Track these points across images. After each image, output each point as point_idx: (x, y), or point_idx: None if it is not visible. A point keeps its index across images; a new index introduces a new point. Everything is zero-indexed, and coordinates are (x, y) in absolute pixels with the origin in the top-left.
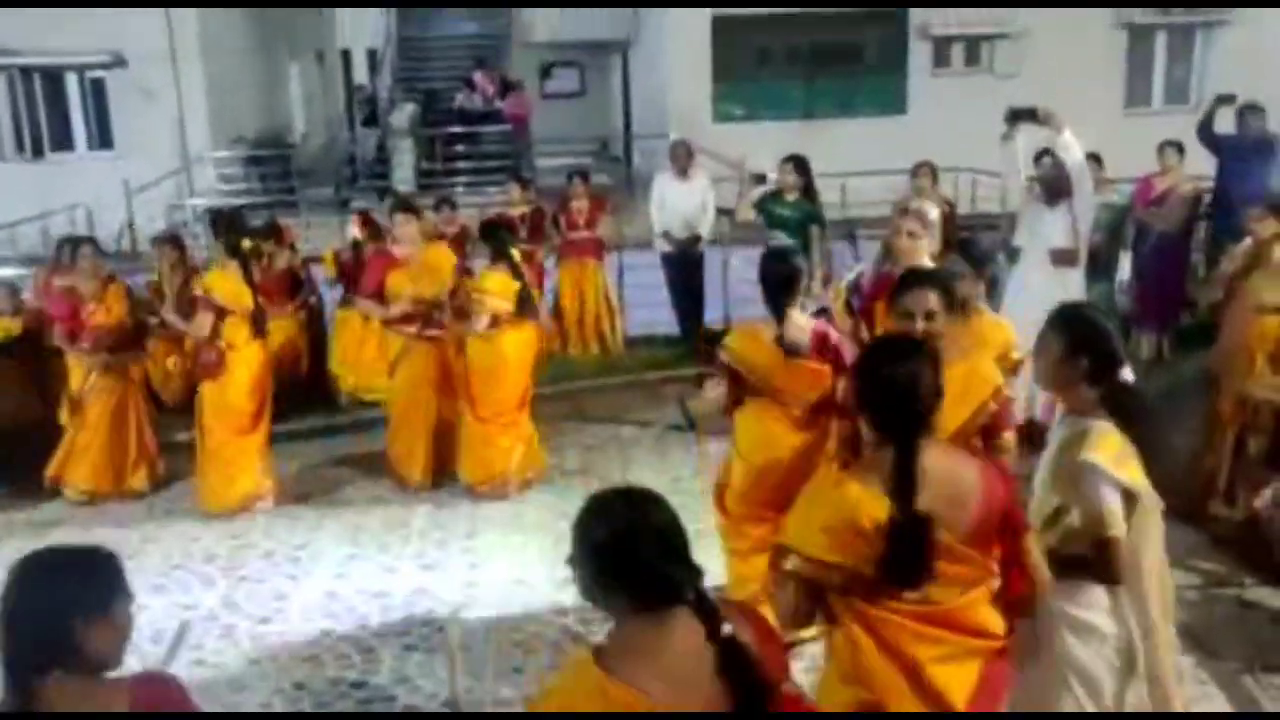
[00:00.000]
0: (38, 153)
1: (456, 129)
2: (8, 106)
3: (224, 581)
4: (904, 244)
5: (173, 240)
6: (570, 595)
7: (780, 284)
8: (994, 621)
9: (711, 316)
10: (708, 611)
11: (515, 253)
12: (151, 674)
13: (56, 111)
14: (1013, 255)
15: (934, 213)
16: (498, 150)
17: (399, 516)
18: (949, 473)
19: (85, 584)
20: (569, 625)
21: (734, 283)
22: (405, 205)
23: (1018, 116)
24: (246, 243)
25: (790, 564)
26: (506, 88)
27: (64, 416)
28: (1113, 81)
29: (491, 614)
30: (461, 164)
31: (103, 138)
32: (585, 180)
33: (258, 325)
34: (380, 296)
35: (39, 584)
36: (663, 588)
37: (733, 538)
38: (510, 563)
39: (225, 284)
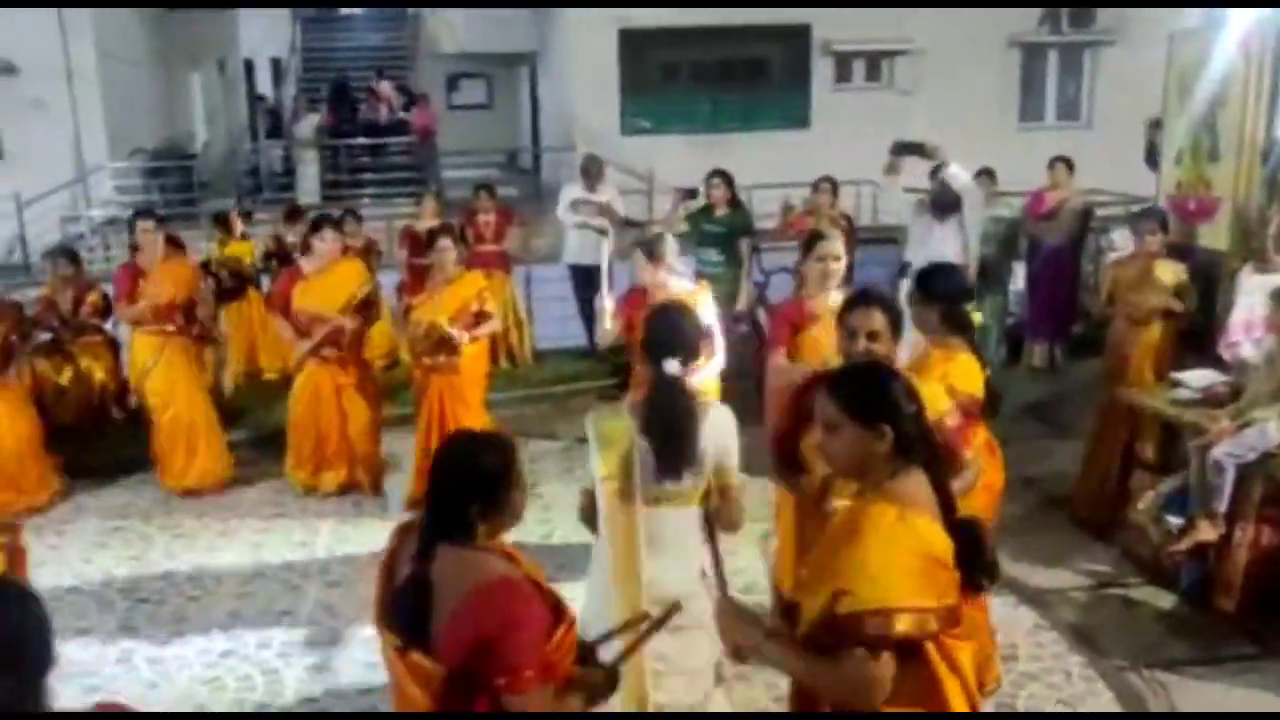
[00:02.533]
0: None
1: (362, 140)
2: None
3: (123, 604)
4: (815, 275)
5: (66, 253)
6: None
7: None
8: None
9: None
10: None
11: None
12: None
13: None
14: (903, 270)
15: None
16: (404, 162)
17: (304, 534)
18: None
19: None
20: None
21: None
22: (336, 223)
23: (904, 150)
24: None
25: (902, 625)
26: (412, 99)
27: None
28: (1007, 98)
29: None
30: (367, 175)
31: None
32: (492, 193)
33: None
34: (286, 310)
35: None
36: None
37: None
38: None
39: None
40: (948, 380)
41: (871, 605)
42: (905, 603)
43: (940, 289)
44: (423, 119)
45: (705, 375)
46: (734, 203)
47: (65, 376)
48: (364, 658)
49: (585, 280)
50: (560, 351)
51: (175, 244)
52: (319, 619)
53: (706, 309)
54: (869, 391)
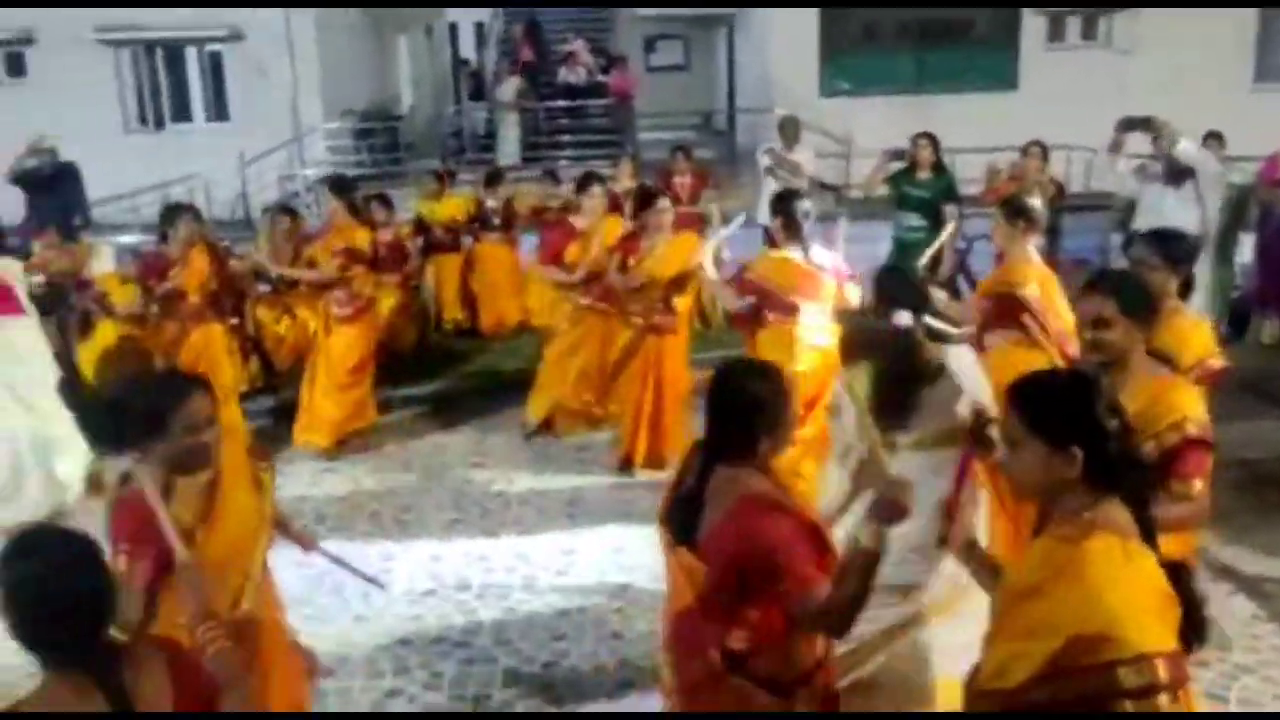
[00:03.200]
0: (159, 124)
1: (561, 103)
2: (132, 80)
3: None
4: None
5: (285, 209)
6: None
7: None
8: None
9: None
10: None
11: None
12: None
13: (176, 85)
14: (1129, 241)
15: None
16: (601, 124)
17: (500, 484)
18: None
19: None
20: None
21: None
22: (599, 178)
23: (1131, 126)
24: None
25: (1164, 673)
26: (610, 61)
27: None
28: (1240, 55)
29: (589, 581)
30: (565, 138)
31: (219, 110)
32: (688, 155)
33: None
34: (558, 261)
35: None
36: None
37: None
38: (610, 530)
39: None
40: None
41: (1129, 653)
42: (1161, 647)
43: (1182, 254)
44: (620, 81)
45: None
46: (939, 167)
47: (283, 325)
48: (556, 603)
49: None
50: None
51: (385, 201)
52: (514, 566)
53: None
54: (1059, 406)
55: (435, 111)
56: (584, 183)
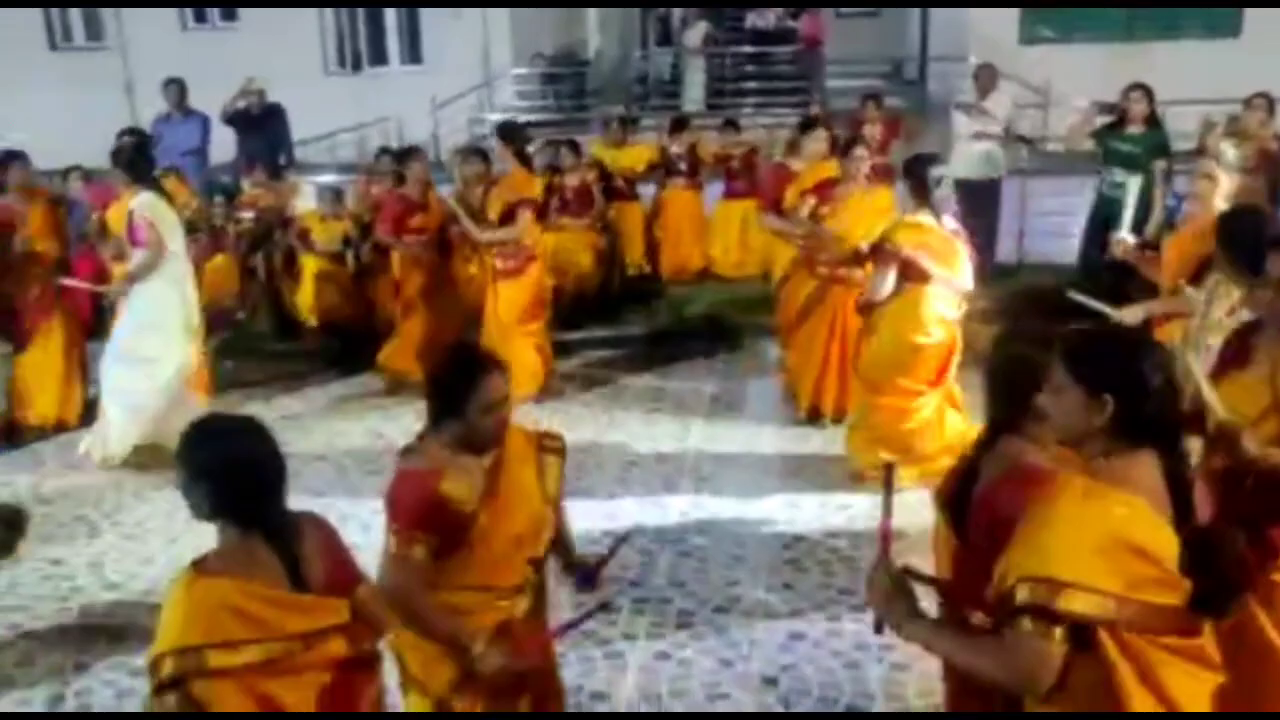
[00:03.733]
0: (356, 67)
1: (748, 49)
2: (333, 24)
3: None
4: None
5: (479, 153)
6: (842, 520)
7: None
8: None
9: (1005, 249)
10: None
11: None
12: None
13: (374, 29)
14: None
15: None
16: (788, 71)
17: (677, 430)
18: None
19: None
20: (840, 547)
21: (1031, 216)
22: (824, 122)
23: None
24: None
25: (1069, 602)
26: (800, 6)
27: (396, 309)
28: None
29: (764, 531)
30: (751, 84)
31: (413, 54)
32: (879, 104)
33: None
34: (778, 206)
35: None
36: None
37: None
38: (785, 484)
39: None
40: None
41: (1039, 574)
42: (1077, 578)
43: None
44: (810, 27)
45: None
46: (1151, 120)
47: (474, 268)
48: (731, 550)
49: (972, 196)
50: None
51: (574, 147)
52: (689, 511)
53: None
54: (1100, 357)
55: (621, 56)
56: (807, 125)
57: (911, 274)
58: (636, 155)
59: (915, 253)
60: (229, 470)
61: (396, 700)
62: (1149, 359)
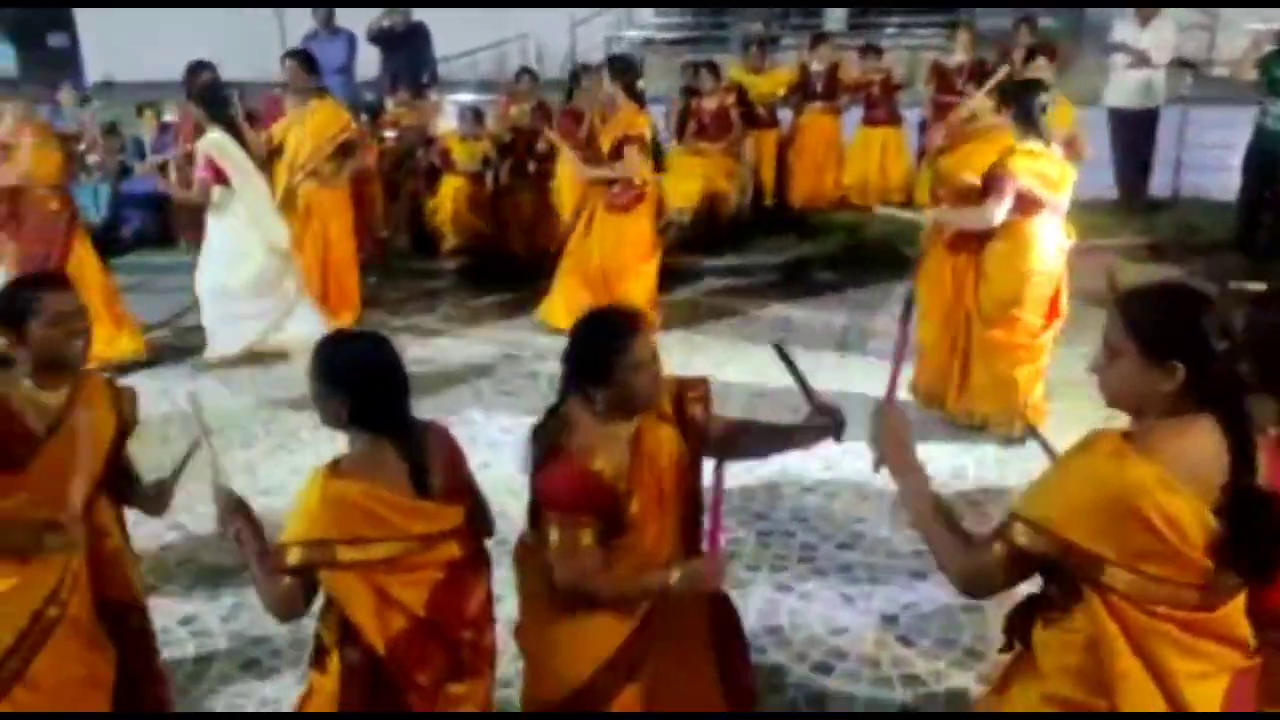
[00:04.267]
0: None
1: None
2: None
3: None
4: None
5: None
6: (970, 461)
7: None
8: (1247, 631)
9: (1160, 182)
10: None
11: None
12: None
13: None
14: None
15: None
16: None
17: (807, 364)
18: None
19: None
20: (967, 490)
21: (1191, 148)
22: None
23: None
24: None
25: (1020, 537)
26: None
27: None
28: None
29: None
30: (895, 6)
31: None
32: (1032, 27)
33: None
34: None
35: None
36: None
37: None
38: (912, 420)
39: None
40: None
41: (1033, 517)
42: (1045, 522)
43: None
44: None
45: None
46: None
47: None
48: (857, 487)
49: (1126, 126)
50: (1092, 204)
51: (713, 69)
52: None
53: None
54: (1168, 319)
55: None
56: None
57: (1024, 205)
58: (775, 79)
59: (1030, 182)
60: (361, 380)
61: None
62: (1210, 316)
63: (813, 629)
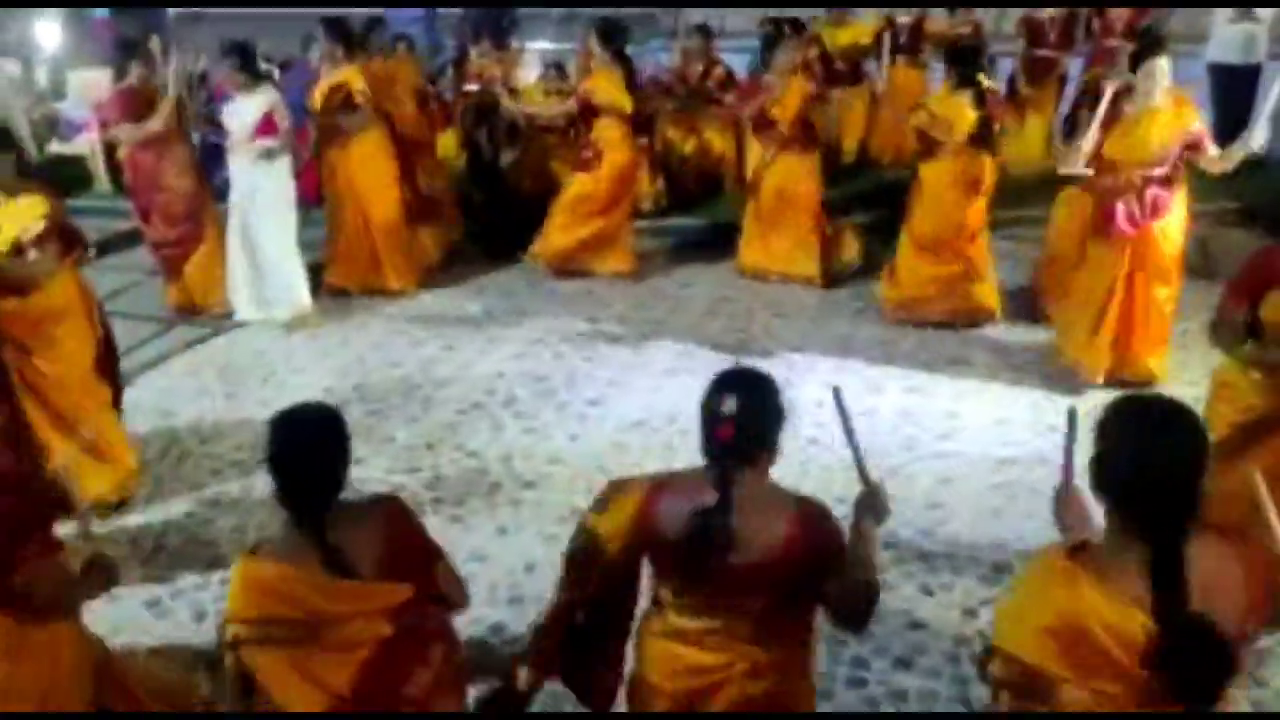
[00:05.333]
0: None
1: None
2: None
3: None
4: None
5: (701, 29)
6: (1051, 445)
7: None
8: None
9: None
10: None
11: (984, 80)
12: (382, 496)
13: None
14: None
15: None
16: None
17: (884, 332)
18: (1212, 574)
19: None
20: (1047, 477)
21: None
22: None
23: None
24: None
25: (996, 669)
26: None
27: None
28: None
29: (973, 451)
30: None
31: None
32: None
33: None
34: None
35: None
36: None
37: None
38: (995, 401)
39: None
40: None
41: (1005, 649)
42: (1015, 650)
43: None
44: None
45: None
46: None
47: (689, 145)
48: (936, 469)
49: (1228, 82)
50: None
51: (797, 26)
52: (897, 424)
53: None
54: (1103, 450)
55: None
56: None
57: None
58: (858, 31)
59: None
60: (275, 465)
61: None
62: (1149, 439)
63: (892, 621)
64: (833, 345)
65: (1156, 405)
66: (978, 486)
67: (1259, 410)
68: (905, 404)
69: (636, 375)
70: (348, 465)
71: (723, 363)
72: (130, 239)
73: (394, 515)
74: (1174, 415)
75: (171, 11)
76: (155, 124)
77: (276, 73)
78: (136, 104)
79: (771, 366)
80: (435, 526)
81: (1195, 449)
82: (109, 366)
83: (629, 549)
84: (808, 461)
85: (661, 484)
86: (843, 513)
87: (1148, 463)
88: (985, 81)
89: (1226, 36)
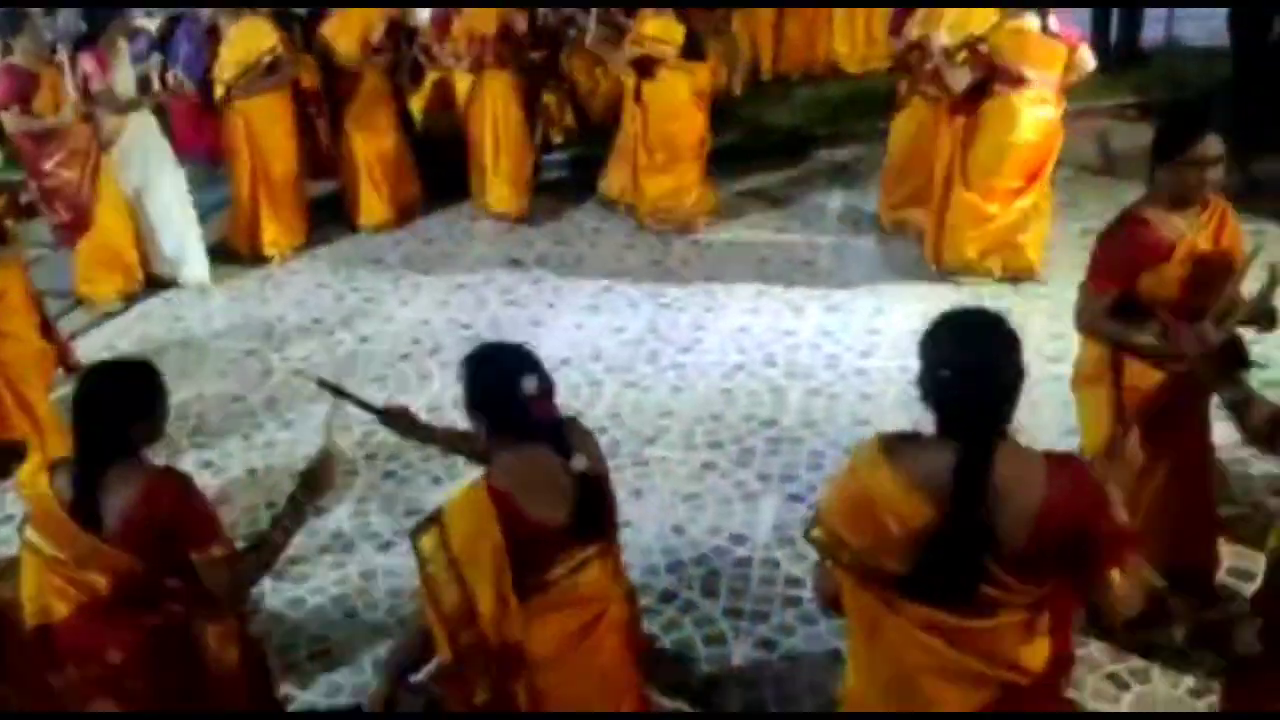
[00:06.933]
0: None
1: None
2: None
3: (648, 306)
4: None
5: None
6: None
7: None
8: (1028, 656)
9: (1151, 32)
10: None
11: None
12: (165, 469)
13: None
14: None
15: None
16: None
17: (804, 252)
18: (1011, 483)
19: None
20: None
21: None
22: None
23: None
24: None
25: (814, 532)
26: None
27: None
28: None
29: (892, 365)
30: None
31: None
32: None
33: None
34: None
35: (104, 395)
36: None
37: None
38: (911, 313)
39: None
40: None
41: (822, 516)
42: (824, 516)
43: None
44: None
45: None
46: None
47: (597, 75)
48: (860, 386)
49: None
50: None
51: None
52: (818, 343)
53: None
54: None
55: None
56: None
57: (1008, 78)
58: None
59: (1016, 62)
60: (73, 411)
61: None
62: (959, 351)
63: None
64: (750, 270)
65: (974, 317)
66: (900, 398)
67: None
68: (826, 323)
69: (560, 314)
70: (147, 427)
71: (643, 296)
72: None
73: (156, 486)
74: (987, 327)
75: None
76: (52, 122)
77: (153, 27)
78: (23, 83)
79: (691, 296)
80: (371, 482)
81: (1006, 361)
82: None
83: None
84: (735, 388)
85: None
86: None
87: (959, 371)
88: None
89: None
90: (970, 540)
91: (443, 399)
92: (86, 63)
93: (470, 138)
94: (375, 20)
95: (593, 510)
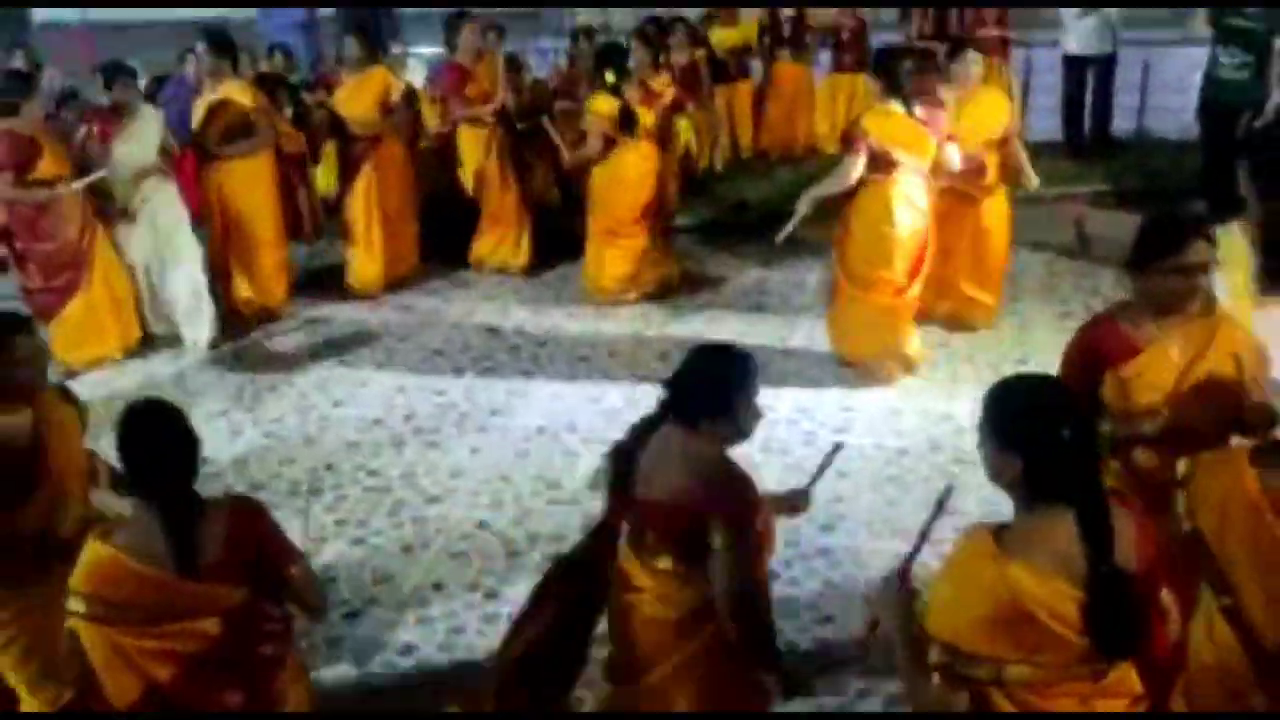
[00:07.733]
0: None
1: None
2: None
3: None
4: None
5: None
6: (945, 432)
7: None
8: (1136, 685)
9: (1124, 126)
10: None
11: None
12: (237, 496)
13: None
14: None
15: None
16: None
17: (781, 329)
18: (1119, 532)
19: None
20: (942, 465)
21: (1156, 90)
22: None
23: None
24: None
25: (935, 656)
26: None
27: None
28: None
29: (866, 442)
30: None
31: None
32: None
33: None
34: None
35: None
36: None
37: None
38: (887, 393)
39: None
40: None
41: (946, 639)
42: (952, 640)
43: None
44: None
45: None
46: None
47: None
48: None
49: (1081, 73)
50: (1051, 145)
51: (690, 27)
52: (795, 418)
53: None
54: (1010, 411)
55: None
56: (956, 47)
57: (879, 164)
58: (745, 30)
59: (882, 143)
60: (127, 449)
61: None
62: (1058, 413)
63: (802, 618)
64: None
65: (1040, 379)
66: (874, 478)
67: None
68: (800, 400)
69: (535, 384)
70: (195, 458)
71: (619, 367)
72: None
73: (244, 514)
74: (1060, 388)
75: (36, 19)
76: (44, 195)
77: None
78: (26, 150)
79: (668, 369)
80: (340, 550)
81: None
82: None
83: None
84: None
85: None
86: None
87: (1076, 429)
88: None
89: (1078, 27)
90: (1124, 590)
91: (415, 464)
92: (95, 125)
93: (478, 193)
94: (392, 83)
95: None
